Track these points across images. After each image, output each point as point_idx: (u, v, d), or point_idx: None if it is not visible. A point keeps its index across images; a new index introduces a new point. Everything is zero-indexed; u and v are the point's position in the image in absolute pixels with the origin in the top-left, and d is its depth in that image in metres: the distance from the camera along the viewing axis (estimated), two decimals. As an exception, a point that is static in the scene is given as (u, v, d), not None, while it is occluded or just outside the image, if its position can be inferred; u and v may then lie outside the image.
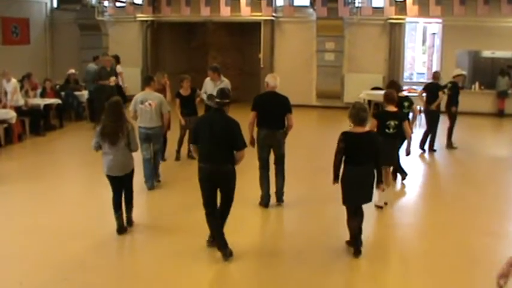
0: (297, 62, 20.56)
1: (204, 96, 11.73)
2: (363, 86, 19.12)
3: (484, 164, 13.17)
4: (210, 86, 11.74)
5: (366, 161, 6.77)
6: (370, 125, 8.49)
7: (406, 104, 10.34)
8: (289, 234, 8.24)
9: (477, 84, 20.10)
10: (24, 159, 12.67)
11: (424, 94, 13.60)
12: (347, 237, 7.24)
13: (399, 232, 8.19)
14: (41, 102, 15.41)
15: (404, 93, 11.67)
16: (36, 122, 14.92)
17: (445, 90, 13.64)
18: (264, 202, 8.96)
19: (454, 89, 13.75)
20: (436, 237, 8.01)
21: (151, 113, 9.71)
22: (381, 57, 20.19)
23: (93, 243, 7.45)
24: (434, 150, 13.63)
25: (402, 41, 20.30)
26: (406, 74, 22.61)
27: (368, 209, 8.96)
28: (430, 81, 15.14)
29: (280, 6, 20.46)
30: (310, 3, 19.65)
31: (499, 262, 6.97)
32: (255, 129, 8.81)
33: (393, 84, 10.66)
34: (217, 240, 6.89)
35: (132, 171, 7.83)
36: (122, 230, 7.69)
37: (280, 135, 8.79)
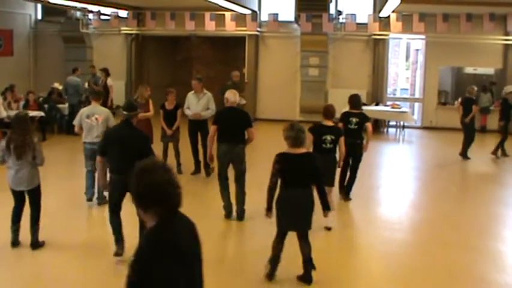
0: (281, 76, 20.63)
1: (188, 112, 11.73)
2: (346, 102, 19.14)
3: (465, 179, 13.26)
4: (193, 100, 11.73)
5: (303, 184, 6.36)
6: (307, 140, 8.53)
7: (354, 120, 9.93)
8: (249, 248, 8.14)
9: (460, 100, 20.20)
10: (5, 172, 12.51)
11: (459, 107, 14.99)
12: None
13: (381, 247, 8.19)
14: (24, 114, 15.29)
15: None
16: (19, 135, 14.78)
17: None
18: (227, 211, 9.02)
19: (505, 105, 15.00)
20: (417, 253, 8.04)
21: (97, 127, 9.46)
22: (364, 72, 20.31)
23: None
24: (468, 158, 14.56)
25: (386, 57, 20.44)
26: (389, 90, 22.72)
27: (346, 220, 9.01)
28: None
29: (264, 21, 20.53)
30: (295, 18, 19.75)
31: (479, 277, 7.05)
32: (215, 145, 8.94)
33: (352, 98, 10.45)
34: (116, 236, 7.16)
35: (38, 187, 7.60)
36: (16, 243, 7.52)
37: (240, 149, 8.83)
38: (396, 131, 19.51)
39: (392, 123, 19.88)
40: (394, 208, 10.38)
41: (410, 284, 6.89)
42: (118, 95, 20.57)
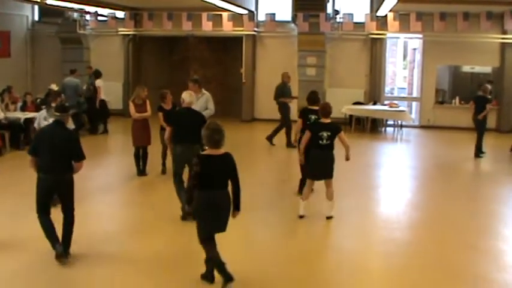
0: (278, 76, 20.50)
1: None
2: (344, 101, 19.18)
3: (463, 178, 13.25)
4: None
5: (221, 186, 6.33)
6: (304, 136, 8.98)
7: (312, 117, 10.16)
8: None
9: (457, 98, 20.29)
10: (3, 174, 12.51)
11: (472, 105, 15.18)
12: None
13: (379, 247, 8.19)
14: (22, 116, 15.25)
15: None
16: (16, 136, 14.77)
17: None
18: (184, 212, 8.92)
19: None
20: (416, 252, 8.03)
21: None
22: (362, 72, 20.32)
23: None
24: (481, 157, 14.84)
25: (383, 56, 20.46)
26: (387, 89, 22.74)
27: (345, 220, 9.01)
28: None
29: (262, 21, 20.51)
30: (292, 18, 19.73)
31: (479, 276, 7.05)
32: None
33: (309, 95, 10.73)
34: (50, 238, 7.14)
35: None
36: None
37: (196, 149, 8.70)
38: (394, 130, 19.52)
39: (390, 122, 19.88)
40: (392, 207, 10.37)
41: (410, 283, 6.89)
42: (115, 96, 20.59)
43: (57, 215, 7.27)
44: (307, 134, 8.98)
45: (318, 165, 9.02)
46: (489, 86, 15.57)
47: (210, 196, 6.24)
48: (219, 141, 6.23)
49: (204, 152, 6.43)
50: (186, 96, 9.14)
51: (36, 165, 7.09)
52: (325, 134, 8.82)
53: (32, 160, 7.14)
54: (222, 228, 6.41)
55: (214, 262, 6.35)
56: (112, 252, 7.67)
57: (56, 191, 7.19)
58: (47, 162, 6.99)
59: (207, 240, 6.39)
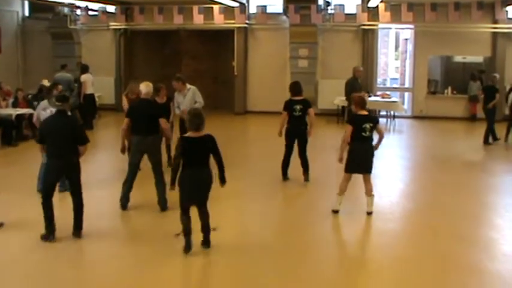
0: (270, 69, 20.63)
1: (177, 111, 11.68)
2: (336, 92, 19.16)
3: (456, 168, 13.29)
4: (180, 99, 11.73)
5: (201, 164, 7.05)
6: (347, 131, 8.85)
7: (298, 107, 10.48)
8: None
9: (449, 89, 20.35)
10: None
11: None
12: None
13: (372, 238, 8.22)
14: (13, 112, 15.20)
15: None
16: (8, 132, 14.72)
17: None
18: (122, 203, 9.17)
19: None
20: (409, 242, 8.06)
21: None
22: (354, 63, 20.23)
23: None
24: (490, 144, 15.23)
25: (375, 47, 20.49)
26: (379, 80, 22.77)
27: (340, 215, 9.02)
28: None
29: (253, 14, 20.51)
30: (283, 10, 19.73)
31: (471, 266, 7.08)
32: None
33: (292, 86, 10.88)
34: (45, 221, 7.73)
35: None
36: None
37: (153, 140, 9.03)
38: (386, 120, 19.55)
39: (383, 113, 19.91)
40: (385, 198, 10.36)
41: (403, 273, 6.90)
42: (108, 91, 20.58)
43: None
44: (349, 128, 8.82)
45: (360, 158, 8.89)
46: (497, 76, 16.16)
47: (190, 173, 6.98)
48: (199, 125, 6.99)
49: (186, 135, 7.16)
50: (143, 87, 9.22)
51: (45, 151, 7.82)
52: (367, 125, 8.75)
53: (41, 147, 7.88)
54: (201, 200, 7.19)
55: (184, 230, 7.18)
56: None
57: (65, 175, 7.89)
58: (55, 149, 7.62)
59: (184, 211, 7.17)
